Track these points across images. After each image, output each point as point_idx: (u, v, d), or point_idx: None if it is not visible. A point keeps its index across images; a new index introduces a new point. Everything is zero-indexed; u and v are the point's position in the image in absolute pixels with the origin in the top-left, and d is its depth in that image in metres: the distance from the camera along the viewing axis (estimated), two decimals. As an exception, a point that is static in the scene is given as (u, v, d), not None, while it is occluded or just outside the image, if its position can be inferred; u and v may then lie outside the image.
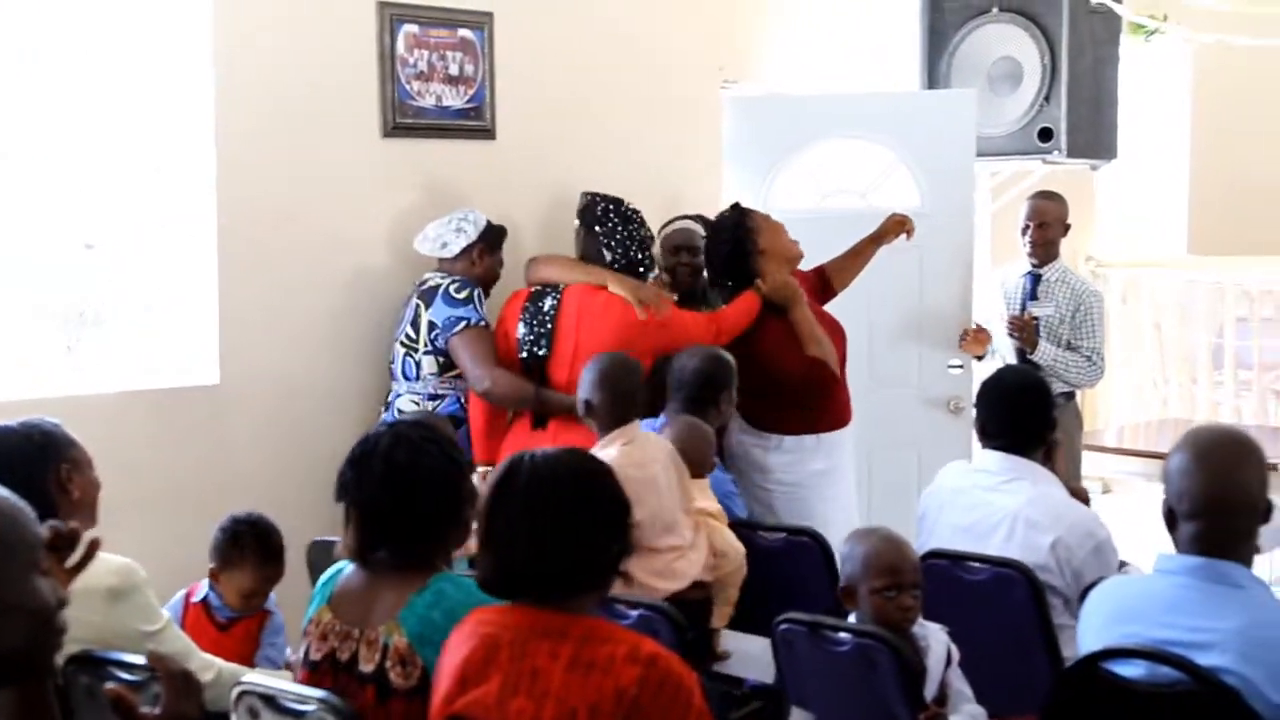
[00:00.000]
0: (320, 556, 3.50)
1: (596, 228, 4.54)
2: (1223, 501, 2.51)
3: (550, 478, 2.21)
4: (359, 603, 2.49)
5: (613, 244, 4.51)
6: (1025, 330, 5.34)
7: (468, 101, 4.93)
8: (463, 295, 4.44)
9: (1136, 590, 2.67)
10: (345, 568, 2.57)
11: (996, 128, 6.05)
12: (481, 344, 4.39)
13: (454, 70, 4.88)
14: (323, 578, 2.61)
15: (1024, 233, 5.51)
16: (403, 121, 4.76)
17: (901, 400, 5.42)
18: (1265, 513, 2.54)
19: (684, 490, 3.69)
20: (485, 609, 2.26)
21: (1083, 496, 3.97)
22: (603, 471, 2.29)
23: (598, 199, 4.61)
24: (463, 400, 4.48)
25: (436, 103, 4.84)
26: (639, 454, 3.59)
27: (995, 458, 3.51)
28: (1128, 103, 6.65)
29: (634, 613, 3.13)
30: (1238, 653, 2.40)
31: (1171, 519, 2.56)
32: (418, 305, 4.49)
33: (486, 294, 4.59)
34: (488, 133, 5.00)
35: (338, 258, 4.65)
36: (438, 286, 4.47)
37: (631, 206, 4.63)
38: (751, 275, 4.51)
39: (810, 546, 3.79)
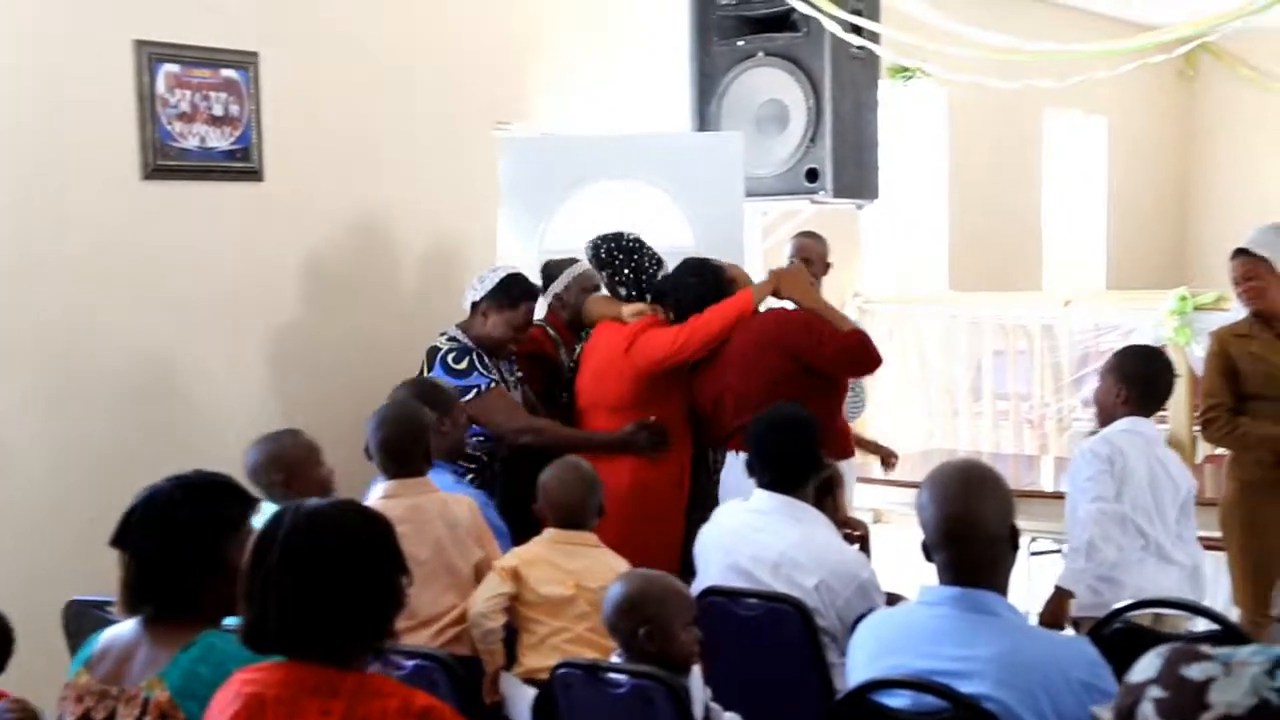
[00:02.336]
0: (79, 618, 3.35)
1: (606, 271, 4.70)
2: (962, 532, 2.61)
3: (311, 530, 2.16)
4: (120, 660, 2.39)
5: (621, 279, 4.69)
6: None
7: (234, 143, 4.83)
8: (462, 365, 4.46)
9: (900, 622, 2.75)
10: (111, 628, 2.48)
11: (766, 168, 6.19)
12: (501, 403, 4.46)
13: (218, 111, 4.77)
14: (88, 641, 2.51)
15: None
16: (164, 163, 4.62)
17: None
18: (1011, 540, 2.64)
19: (474, 548, 3.68)
20: (251, 667, 2.20)
21: (858, 528, 4.09)
22: (371, 524, 2.24)
23: (599, 242, 4.75)
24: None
25: (200, 144, 4.73)
26: (403, 510, 3.57)
27: (765, 497, 3.58)
28: (890, 145, 6.91)
29: (410, 663, 3.09)
30: (995, 679, 2.50)
31: (927, 551, 2.67)
32: (422, 363, 4.54)
33: (507, 352, 4.59)
34: (255, 174, 4.90)
35: (95, 302, 4.49)
36: (438, 350, 4.51)
37: (631, 237, 4.77)
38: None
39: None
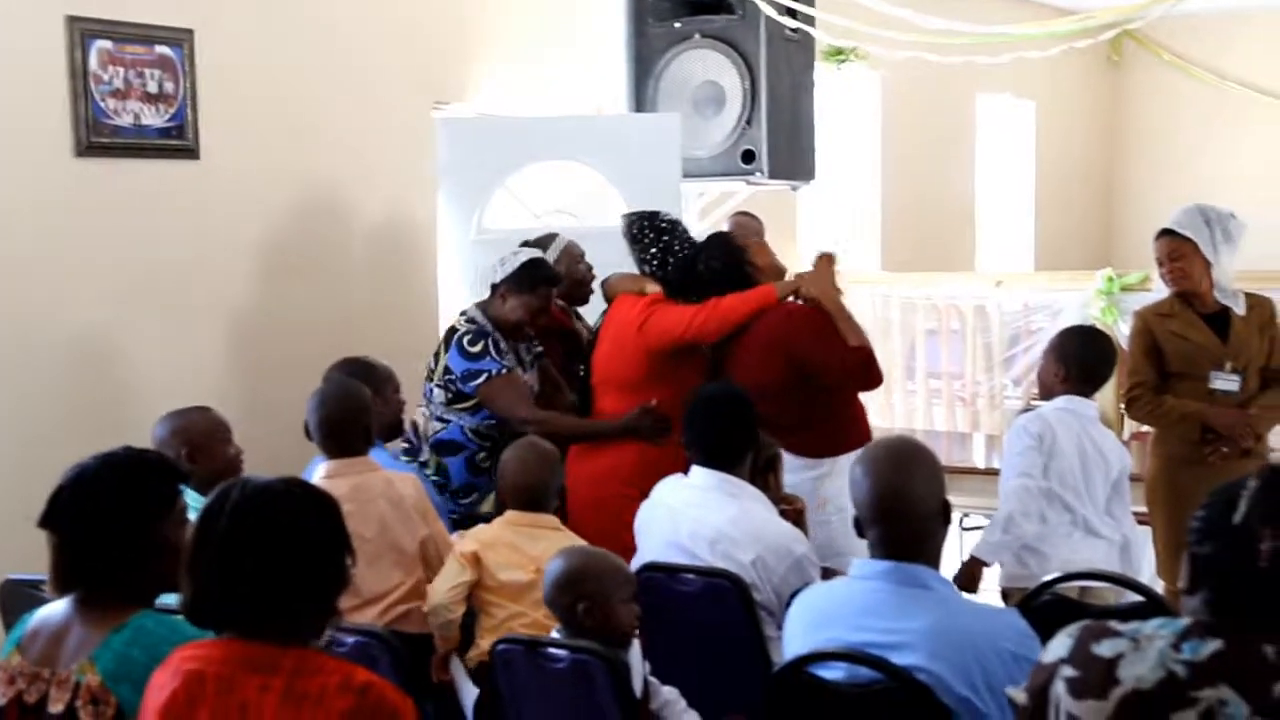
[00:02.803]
0: (14, 596, 3.30)
1: (636, 248, 4.60)
2: (894, 507, 2.63)
3: (256, 507, 2.13)
4: (53, 642, 2.35)
5: (648, 257, 4.55)
6: None
7: (168, 120, 4.76)
8: (476, 349, 4.40)
9: (835, 596, 2.77)
10: (42, 609, 2.43)
11: (703, 150, 6.20)
12: (509, 391, 4.40)
13: (153, 88, 4.70)
14: (20, 620, 2.47)
15: None
16: (97, 140, 4.55)
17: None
18: (943, 515, 2.67)
19: (420, 525, 3.66)
20: (192, 644, 2.17)
21: (797, 507, 4.10)
22: (317, 503, 2.22)
23: (632, 218, 4.65)
24: (465, 429, 4.46)
25: (135, 121, 4.66)
26: (346, 489, 3.55)
27: (703, 474, 3.58)
28: (825, 127, 6.93)
29: (351, 640, 3.07)
30: (928, 651, 2.52)
31: (860, 527, 2.69)
32: (440, 342, 4.51)
33: (524, 334, 4.54)
34: (190, 152, 4.83)
35: (27, 280, 4.41)
36: (454, 331, 4.47)
37: (667, 217, 4.62)
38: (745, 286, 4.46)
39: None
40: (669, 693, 3.04)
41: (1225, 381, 4.64)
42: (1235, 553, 1.92)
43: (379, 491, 3.68)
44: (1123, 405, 6.93)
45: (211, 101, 4.87)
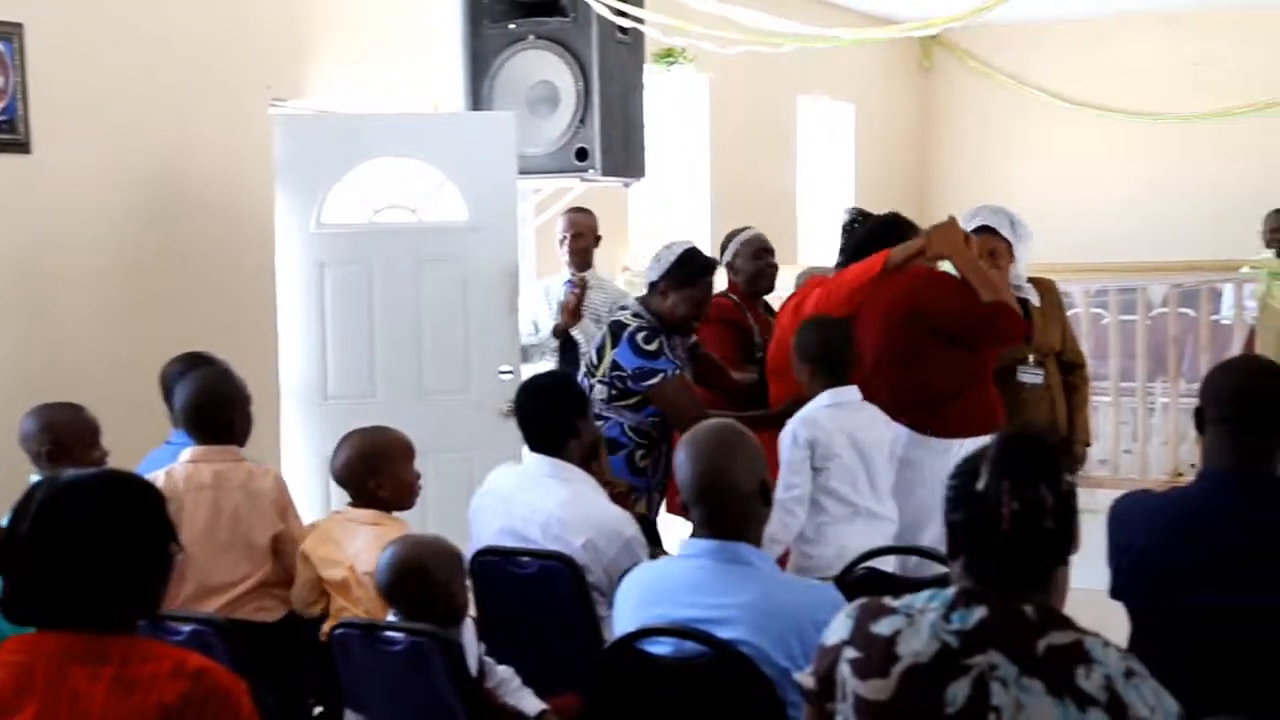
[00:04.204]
0: None
1: (843, 237, 4.53)
2: (714, 487, 2.67)
3: (68, 500, 2.07)
4: None
5: (842, 246, 4.48)
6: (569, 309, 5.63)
7: (-2, 114, 4.57)
8: (652, 347, 4.26)
9: (662, 574, 2.80)
10: None
11: (538, 148, 6.19)
12: (685, 395, 4.28)
13: (-19, 82, 4.51)
14: None
15: (562, 244, 5.75)
16: (-77, 134, 4.35)
17: (455, 407, 5.45)
18: (762, 495, 2.70)
19: (275, 521, 3.59)
20: (16, 638, 2.10)
21: (620, 486, 4.12)
22: (133, 492, 2.16)
23: (853, 212, 4.62)
24: (625, 427, 4.34)
25: (-38, 115, 4.46)
26: (207, 476, 3.47)
27: (534, 460, 3.58)
28: (656, 126, 6.97)
29: (186, 628, 3.00)
30: (750, 624, 2.57)
31: (684, 507, 2.72)
32: (605, 337, 4.33)
33: (689, 328, 4.39)
34: (21, 147, 4.64)
35: None
36: (624, 327, 4.30)
37: (891, 215, 4.53)
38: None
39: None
40: (504, 671, 3.04)
41: (1031, 375, 4.76)
42: (981, 518, 1.99)
43: (238, 482, 3.63)
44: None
45: (43, 96, 4.69)
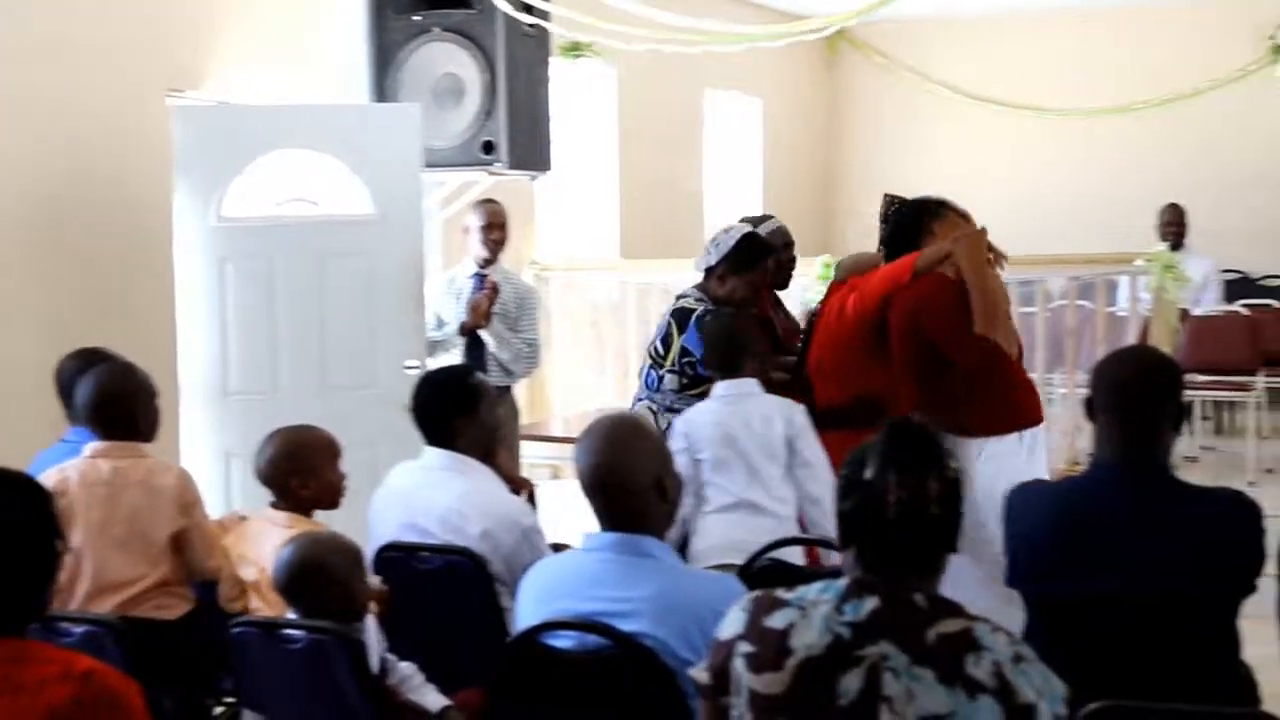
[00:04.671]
0: None
1: (883, 226, 4.42)
2: (608, 481, 2.65)
3: None
4: None
5: (883, 237, 4.36)
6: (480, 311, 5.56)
7: (-117, 103, 4.42)
8: None
9: (565, 567, 2.78)
10: None
11: (443, 140, 6.14)
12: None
13: None
14: None
15: (469, 234, 5.73)
16: None
17: (359, 402, 5.37)
18: (658, 489, 2.68)
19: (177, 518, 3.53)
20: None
21: (523, 484, 4.09)
22: (16, 490, 2.09)
23: (891, 199, 4.49)
24: None
25: None
26: (105, 472, 3.38)
27: (434, 454, 3.54)
28: (563, 119, 6.94)
29: (79, 630, 2.93)
30: (652, 617, 2.55)
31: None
32: (670, 324, 4.23)
33: (748, 313, 4.26)
34: (-91, 137, 4.51)
35: None
36: (690, 312, 4.21)
37: (933, 199, 4.32)
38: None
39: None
40: (406, 668, 3.00)
41: None
42: (869, 506, 2.00)
43: (137, 479, 3.56)
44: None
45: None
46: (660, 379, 4.37)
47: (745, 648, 2.02)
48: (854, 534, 2.04)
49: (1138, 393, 2.77)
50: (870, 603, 1.97)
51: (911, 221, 4.23)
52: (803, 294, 7.19)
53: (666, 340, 4.34)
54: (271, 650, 2.89)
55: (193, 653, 3.51)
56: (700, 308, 4.25)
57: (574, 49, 7.60)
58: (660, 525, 2.69)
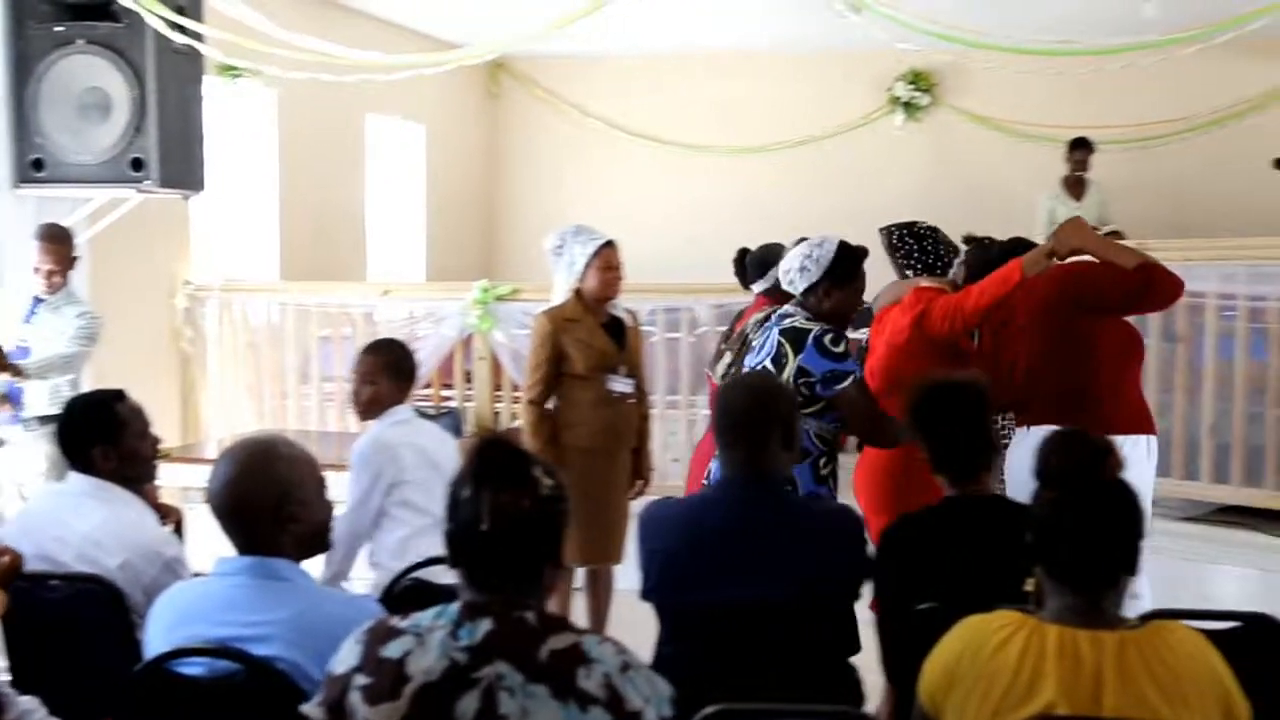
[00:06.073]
0: None
1: (898, 255, 4.43)
2: (233, 505, 2.60)
3: None
4: None
5: (912, 261, 4.38)
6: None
7: None
8: (840, 349, 3.93)
9: (197, 593, 2.69)
10: None
11: (90, 156, 5.83)
12: (867, 397, 4.03)
13: None
14: None
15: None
16: None
17: None
18: (284, 512, 2.61)
19: None
20: None
21: (170, 512, 3.92)
22: None
23: (891, 229, 4.45)
24: (810, 434, 3.92)
25: None
26: None
27: (75, 479, 3.34)
28: (221, 139, 6.70)
29: None
30: (286, 641, 2.51)
31: None
32: (781, 344, 3.94)
33: (847, 324, 4.12)
34: None
35: None
36: (806, 331, 3.94)
37: (925, 224, 4.47)
38: None
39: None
40: (27, 702, 2.81)
41: (621, 384, 5.04)
42: (466, 525, 2.05)
43: None
44: (500, 405, 7.29)
45: None
46: None
47: (361, 680, 2.01)
48: (459, 554, 2.06)
49: (748, 417, 2.93)
50: (484, 625, 1.99)
51: (1020, 251, 4.28)
52: (461, 318, 7.22)
53: (779, 360, 4.03)
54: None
55: None
56: (816, 326, 4.01)
57: (231, 69, 7.36)
58: (293, 548, 2.63)
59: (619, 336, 5.09)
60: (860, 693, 3.17)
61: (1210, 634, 2.40)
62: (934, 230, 4.48)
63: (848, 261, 4.06)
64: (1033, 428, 4.05)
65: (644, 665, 2.07)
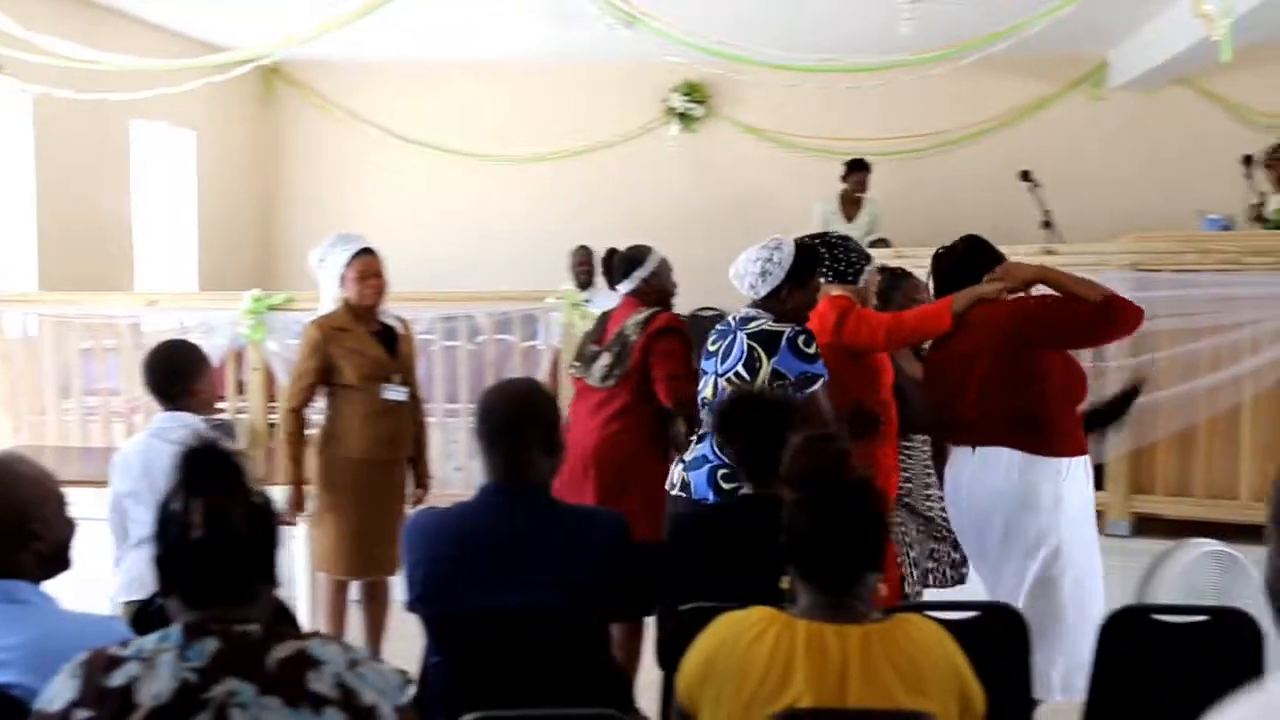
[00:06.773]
0: None
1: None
2: None
3: None
4: None
5: (822, 271, 4.25)
6: None
7: None
8: (813, 350, 3.93)
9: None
10: None
11: None
12: (827, 402, 3.95)
13: None
14: None
15: None
16: None
17: None
18: (17, 531, 2.48)
19: None
20: None
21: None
22: None
23: (806, 239, 4.28)
24: None
25: None
26: None
27: None
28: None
29: None
30: (24, 665, 2.38)
31: None
32: (751, 348, 3.94)
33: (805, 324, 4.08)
34: None
35: None
36: (778, 334, 3.92)
37: (836, 234, 4.52)
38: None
39: None
40: None
41: (395, 392, 4.94)
42: (177, 537, 1.99)
43: None
44: (275, 417, 7.09)
45: None
46: None
47: (83, 714, 1.91)
48: (171, 576, 1.99)
49: (505, 422, 2.92)
50: (211, 644, 1.94)
51: (978, 255, 4.29)
52: (232, 327, 7.01)
53: (751, 365, 3.96)
54: None
55: None
56: (787, 328, 3.95)
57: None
58: (34, 568, 2.50)
59: (391, 345, 5.01)
60: (630, 696, 3.20)
61: (952, 624, 2.51)
62: (845, 239, 4.52)
63: (807, 256, 4.11)
64: (979, 448, 4.11)
65: (372, 659, 2.06)
